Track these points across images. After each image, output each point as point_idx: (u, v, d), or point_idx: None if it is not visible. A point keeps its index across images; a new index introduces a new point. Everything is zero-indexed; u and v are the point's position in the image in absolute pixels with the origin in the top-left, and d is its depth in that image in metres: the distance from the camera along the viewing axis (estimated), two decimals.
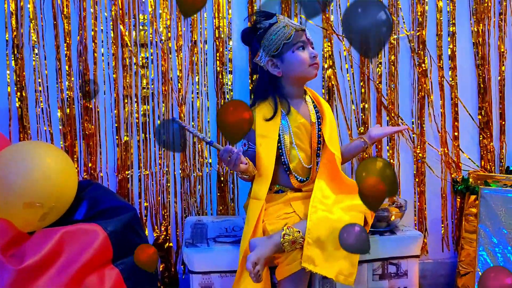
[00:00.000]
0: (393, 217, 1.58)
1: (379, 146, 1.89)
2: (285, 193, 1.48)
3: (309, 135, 1.50)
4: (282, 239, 1.29)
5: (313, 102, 1.55)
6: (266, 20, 1.49)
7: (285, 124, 1.47)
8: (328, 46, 1.84)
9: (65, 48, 1.75)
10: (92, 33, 1.75)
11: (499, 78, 1.93)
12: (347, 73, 1.86)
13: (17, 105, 1.73)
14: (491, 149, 1.94)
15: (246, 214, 1.46)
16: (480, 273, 1.69)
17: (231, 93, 1.82)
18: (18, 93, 1.73)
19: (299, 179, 1.49)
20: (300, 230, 1.31)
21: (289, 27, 1.45)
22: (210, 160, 1.83)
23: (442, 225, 1.95)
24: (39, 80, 1.75)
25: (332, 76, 1.85)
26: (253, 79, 1.82)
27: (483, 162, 1.94)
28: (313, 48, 1.50)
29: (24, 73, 1.74)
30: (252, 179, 1.45)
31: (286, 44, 1.44)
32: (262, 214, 1.41)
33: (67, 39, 1.74)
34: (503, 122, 1.94)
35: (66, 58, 1.75)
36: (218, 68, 1.81)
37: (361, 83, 1.87)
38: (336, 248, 1.29)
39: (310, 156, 1.50)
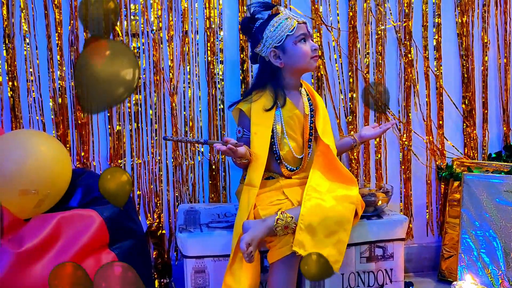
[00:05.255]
0: (379, 202, 1.64)
1: None
2: (277, 180, 1.52)
3: (301, 126, 1.54)
4: (275, 223, 1.33)
5: (307, 94, 1.59)
6: (265, 11, 1.52)
7: (278, 114, 1.51)
8: (318, 36, 1.87)
9: (57, 38, 1.75)
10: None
11: (482, 68, 2.00)
12: (336, 63, 1.90)
13: (9, 94, 1.74)
14: (474, 137, 2.01)
15: (238, 200, 1.50)
16: (462, 255, 1.76)
17: (222, 83, 1.85)
18: (10, 83, 1.74)
19: (289, 168, 1.53)
20: (293, 215, 1.35)
21: (292, 19, 1.48)
22: (202, 149, 1.86)
23: (427, 211, 2.01)
24: (31, 70, 1.75)
25: (321, 66, 1.89)
26: (244, 68, 1.84)
27: (466, 150, 2.01)
28: (313, 40, 1.54)
29: (15, 63, 1.74)
30: (246, 165, 1.49)
31: (289, 36, 1.47)
32: (254, 200, 1.45)
33: (59, 28, 1.75)
34: (486, 111, 2.01)
35: (58, 48, 1.76)
36: (209, 58, 1.83)
37: (349, 73, 1.92)
38: (326, 236, 1.34)
39: (302, 147, 1.55)
